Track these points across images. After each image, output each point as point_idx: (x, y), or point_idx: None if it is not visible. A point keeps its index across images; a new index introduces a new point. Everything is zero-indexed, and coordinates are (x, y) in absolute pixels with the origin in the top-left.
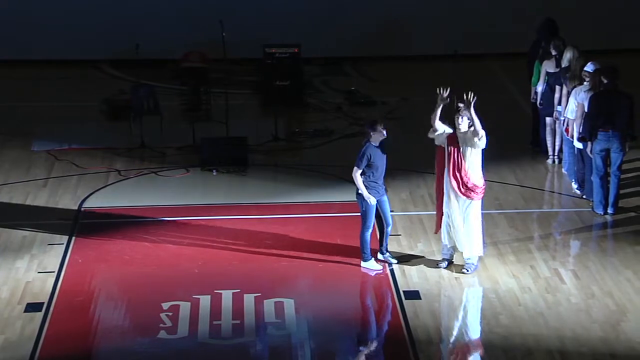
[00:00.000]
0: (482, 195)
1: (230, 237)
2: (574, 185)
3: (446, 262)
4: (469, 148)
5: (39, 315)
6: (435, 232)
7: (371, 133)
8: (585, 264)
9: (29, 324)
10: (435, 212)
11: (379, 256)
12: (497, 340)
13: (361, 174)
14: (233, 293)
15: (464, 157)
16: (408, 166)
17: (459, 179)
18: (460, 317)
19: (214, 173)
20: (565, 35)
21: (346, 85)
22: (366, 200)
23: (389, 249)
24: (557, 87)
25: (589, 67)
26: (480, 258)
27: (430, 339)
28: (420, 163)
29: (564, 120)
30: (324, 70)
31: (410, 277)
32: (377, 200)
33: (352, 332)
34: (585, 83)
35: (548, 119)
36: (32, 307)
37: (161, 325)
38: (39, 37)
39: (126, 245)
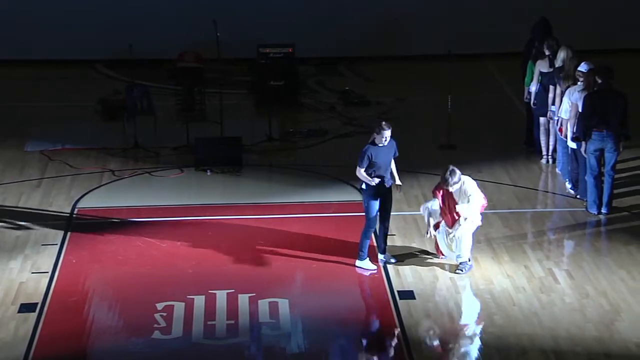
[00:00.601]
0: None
1: (224, 237)
2: (568, 185)
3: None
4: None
5: (33, 315)
6: (439, 257)
7: (375, 135)
8: (579, 264)
9: (22, 324)
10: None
11: (380, 257)
12: (492, 340)
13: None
14: (227, 293)
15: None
16: (402, 167)
17: (455, 219)
18: (454, 317)
19: (208, 173)
20: (559, 35)
21: (341, 85)
22: (368, 197)
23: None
24: (551, 87)
25: (583, 67)
26: (474, 258)
27: (425, 339)
28: (414, 164)
29: (557, 120)
30: (319, 71)
31: (405, 277)
32: (379, 198)
33: (347, 332)
34: (579, 83)
35: (542, 119)
36: (26, 308)
37: (155, 325)
38: (39, 37)
39: (120, 245)
